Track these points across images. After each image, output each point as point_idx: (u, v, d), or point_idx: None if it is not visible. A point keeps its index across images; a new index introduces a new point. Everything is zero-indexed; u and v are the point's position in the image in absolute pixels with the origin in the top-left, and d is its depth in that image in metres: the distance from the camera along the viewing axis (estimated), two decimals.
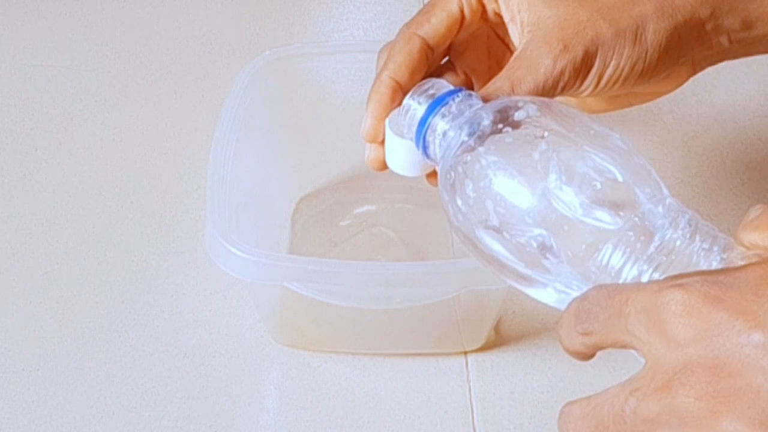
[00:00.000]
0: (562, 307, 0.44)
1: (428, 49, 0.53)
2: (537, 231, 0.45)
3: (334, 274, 0.58)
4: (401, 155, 0.53)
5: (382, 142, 0.54)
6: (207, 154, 0.62)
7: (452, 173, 0.48)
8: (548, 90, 0.52)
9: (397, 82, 0.53)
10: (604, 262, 0.44)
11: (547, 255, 0.45)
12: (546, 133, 0.46)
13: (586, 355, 0.43)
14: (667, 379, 0.38)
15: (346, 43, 0.81)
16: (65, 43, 0.87)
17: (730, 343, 0.37)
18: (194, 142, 0.79)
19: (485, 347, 0.68)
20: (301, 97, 0.70)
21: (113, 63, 0.85)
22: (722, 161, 0.77)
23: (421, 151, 0.51)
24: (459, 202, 0.47)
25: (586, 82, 0.52)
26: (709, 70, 0.84)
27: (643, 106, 0.81)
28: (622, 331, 0.40)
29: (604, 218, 0.44)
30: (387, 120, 0.53)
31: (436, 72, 0.56)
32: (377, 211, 0.74)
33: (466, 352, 0.68)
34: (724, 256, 0.43)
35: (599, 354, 0.68)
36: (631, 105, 0.58)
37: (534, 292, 0.48)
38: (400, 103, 0.53)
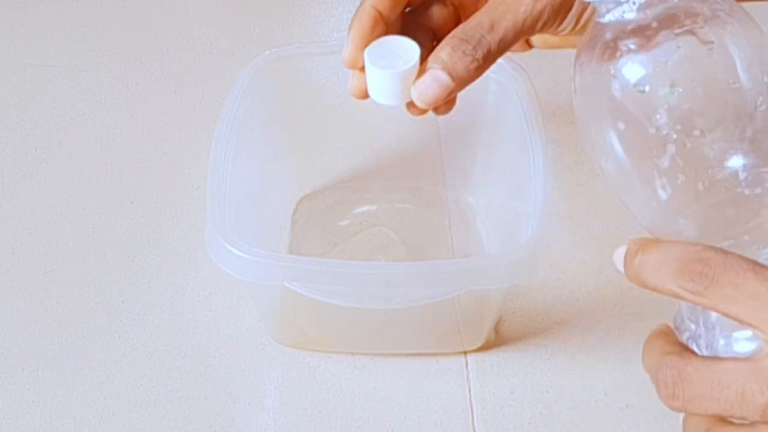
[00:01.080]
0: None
1: None
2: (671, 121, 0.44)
3: (334, 274, 0.58)
4: (382, 86, 0.54)
5: (362, 69, 0.54)
6: (207, 154, 0.62)
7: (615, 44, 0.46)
8: (527, 28, 0.53)
9: (379, 12, 0.54)
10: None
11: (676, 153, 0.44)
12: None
13: (658, 291, 0.43)
14: None
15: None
16: (65, 43, 0.87)
17: None
18: (194, 142, 0.79)
19: (485, 347, 0.68)
20: (301, 97, 0.70)
21: (113, 63, 0.85)
22: None
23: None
24: (611, 74, 0.46)
25: (566, 22, 0.54)
26: None
27: None
28: (757, 313, 0.40)
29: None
30: (366, 52, 0.54)
31: (423, 4, 0.57)
32: (377, 211, 0.74)
33: (466, 352, 0.68)
34: None
35: (599, 354, 0.69)
36: None
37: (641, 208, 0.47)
38: (380, 33, 0.54)
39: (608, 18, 0.47)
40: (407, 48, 0.54)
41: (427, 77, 0.53)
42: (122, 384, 0.66)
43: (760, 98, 0.45)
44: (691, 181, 0.44)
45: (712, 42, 0.45)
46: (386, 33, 0.55)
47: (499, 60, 0.67)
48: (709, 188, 0.44)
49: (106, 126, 0.81)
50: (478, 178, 0.74)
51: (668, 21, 0.45)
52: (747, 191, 0.44)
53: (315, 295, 0.60)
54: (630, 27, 0.46)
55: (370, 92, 0.55)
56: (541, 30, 0.54)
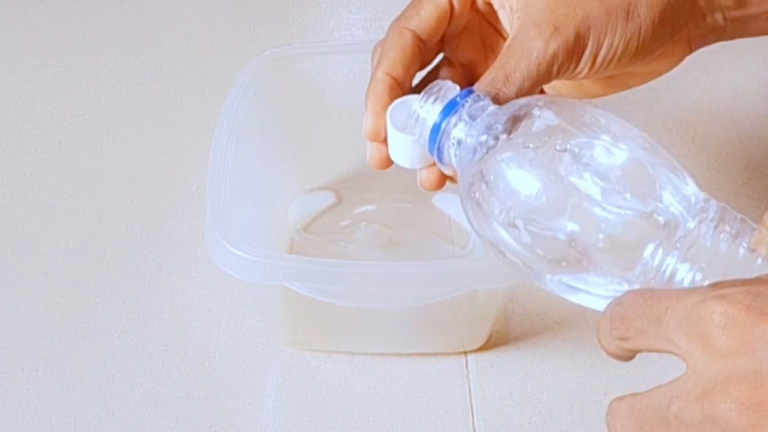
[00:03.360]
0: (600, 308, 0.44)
1: (420, 42, 0.53)
2: (567, 225, 0.45)
3: (334, 274, 0.58)
4: (405, 149, 0.53)
5: (384, 140, 0.53)
6: (207, 154, 0.62)
7: (475, 182, 0.47)
8: (543, 74, 0.51)
9: (393, 78, 0.52)
10: (636, 254, 0.44)
11: (577, 248, 0.45)
12: (563, 134, 0.46)
13: (626, 358, 0.43)
14: (709, 390, 0.38)
15: (346, 43, 0.81)
16: (65, 43, 0.87)
17: None
18: (194, 142, 0.79)
19: (485, 347, 0.68)
20: (301, 97, 0.70)
21: (113, 63, 0.85)
22: (722, 161, 0.77)
23: (435, 157, 0.51)
24: (485, 207, 0.47)
25: (581, 63, 0.52)
26: (710, 70, 0.84)
27: (643, 105, 0.81)
28: (661, 338, 0.40)
29: (631, 206, 0.44)
30: (387, 114, 0.52)
31: (433, 69, 0.56)
32: (377, 211, 0.74)
33: (466, 352, 0.68)
34: (747, 243, 0.43)
35: (599, 354, 0.68)
36: (628, 87, 0.57)
37: (573, 297, 0.48)
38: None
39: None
40: None
41: None
42: (122, 384, 0.66)
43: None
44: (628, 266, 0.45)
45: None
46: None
47: None
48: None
49: (106, 126, 0.81)
50: None
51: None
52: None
53: (315, 295, 0.60)
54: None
55: (392, 155, 0.53)
56: (558, 74, 0.52)
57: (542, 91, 0.58)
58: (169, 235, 0.74)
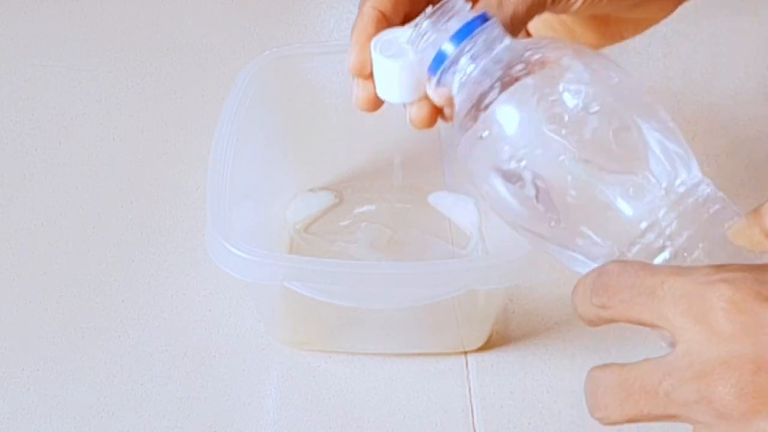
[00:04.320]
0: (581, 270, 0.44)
1: None
2: (571, 186, 0.44)
3: (334, 274, 0.58)
4: (394, 79, 0.50)
5: (370, 76, 0.51)
6: (207, 154, 0.62)
7: (486, 122, 0.46)
8: (538, 2, 0.50)
9: (381, 12, 0.50)
10: (631, 228, 0.44)
11: (576, 206, 0.44)
12: (578, 82, 0.45)
13: (598, 324, 0.43)
14: (707, 372, 0.38)
15: (346, 43, 0.80)
16: (65, 43, 0.87)
17: None
18: (194, 142, 0.79)
19: (485, 347, 0.68)
20: (301, 97, 0.70)
21: (113, 63, 0.85)
22: (722, 161, 0.77)
23: (433, 80, 0.48)
24: (493, 151, 0.46)
25: None
26: (710, 70, 0.84)
27: None
28: (650, 311, 0.40)
29: (633, 170, 0.44)
30: (372, 44, 0.50)
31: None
32: (377, 211, 0.74)
33: (466, 352, 0.68)
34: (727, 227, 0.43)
35: (599, 354, 0.68)
36: (622, 38, 0.57)
37: (555, 251, 0.47)
38: None
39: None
40: None
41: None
42: (122, 384, 0.66)
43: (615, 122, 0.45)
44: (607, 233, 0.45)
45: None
46: None
47: None
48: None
49: (106, 126, 0.81)
50: None
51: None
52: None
53: (315, 295, 0.60)
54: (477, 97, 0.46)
55: (380, 91, 0.51)
56: (553, 5, 0.50)
57: (529, 34, 0.57)
58: (169, 235, 0.74)
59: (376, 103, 0.52)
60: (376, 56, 0.50)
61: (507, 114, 0.45)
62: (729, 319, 0.38)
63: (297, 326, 0.68)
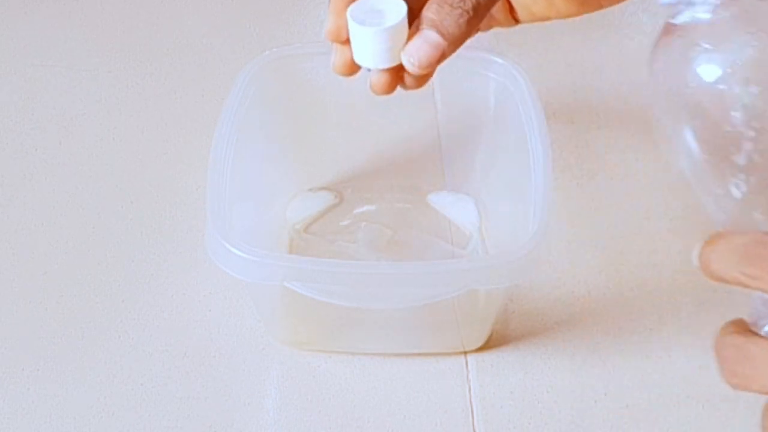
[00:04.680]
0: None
1: None
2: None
3: (334, 274, 0.58)
4: (368, 46, 0.51)
5: (347, 42, 0.52)
6: (207, 154, 0.62)
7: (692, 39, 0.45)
8: None
9: None
10: None
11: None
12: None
13: (724, 283, 0.43)
14: None
15: None
16: (65, 43, 0.87)
17: None
18: (194, 142, 0.79)
19: (485, 347, 0.68)
20: (301, 97, 0.70)
21: (113, 63, 0.85)
22: None
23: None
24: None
25: None
26: None
27: (643, 105, 0.81)
28: None
29: None
30: (348, 11, 0.51)
31: None
32: (377, 211, 0.74)
33: (466, 352, 0.68)
34: None
35: (599, 354, 0.68)
36: (600, 6, 0.57)
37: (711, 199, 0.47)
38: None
39: (681, 19, 0.47)
40: (392, 4, 0.51)
41: (416, 39, 0.51)
42: (122, 384, 0.66)
43: None
44: (766, 178, 0.44)
45: None
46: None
47: (499, 60, 0.67)
48: None
49: (106, 126, 0.81)
50: (478, 179, 0.74)
51: (742, 21, 0.45)
52: None
53: (315, 295, 0.60)
54: (703, 26, 0.46)
55: (356, 57, 0.52)
56: None
57: (513, 12, 0.58)
58: (169, 235, 0.74)
59: (352, 67, 0.53)
60: (351, 23, 0.51)
61: (709, 53, 0.45)
62: None
63: (297, 326, 0.68)
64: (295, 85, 0.69)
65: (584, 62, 0.85)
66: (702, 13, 0.46)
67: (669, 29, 0.47)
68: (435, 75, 0.60)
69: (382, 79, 0.53)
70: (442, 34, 0.51)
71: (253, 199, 0.68)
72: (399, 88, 0.55)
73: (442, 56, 0.51)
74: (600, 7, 0.57)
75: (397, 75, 0.53)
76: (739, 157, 0.45)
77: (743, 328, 0.44)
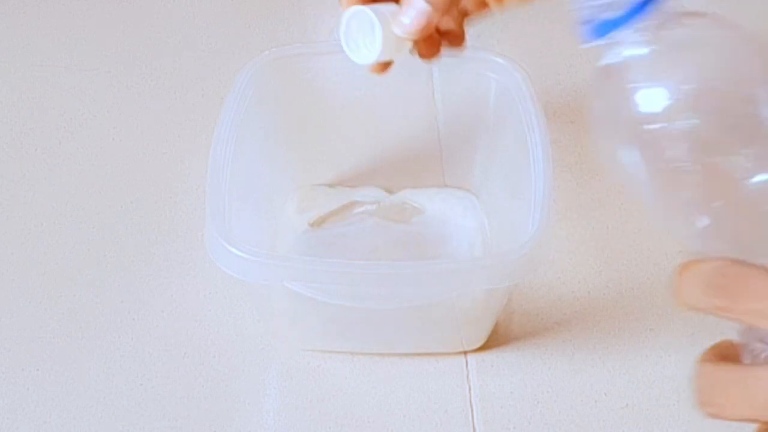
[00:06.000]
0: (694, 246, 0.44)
1: None
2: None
3: (334, 274, 0.58)
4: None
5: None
6: (207, 154, 0.62)
7: (620, 74, 0.46)
8: None
9: None
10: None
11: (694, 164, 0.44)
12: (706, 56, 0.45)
13: (699, 312, 0.43)
14: None
15: None
16: (65, 43, 0.87)
17: None
18: (194, 142, 0.79)
19: (485, 347, 0.68)
20: (301, 97, 0.70)
21: (113, 63, 0.85)
22: None
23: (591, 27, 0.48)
24: (620, 117, 0.45)
25: None
26: None
27: None
28: None
29: (748, 141, 0.43)
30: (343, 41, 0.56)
31: None
32: (377, 210, 0.74)
33: (466, 352, 0.68)
34: None
35: (599, 354, 0.68)
36: None
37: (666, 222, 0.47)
38: None
39: (612, 59, 0.47)
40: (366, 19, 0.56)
41: (407, 9, 0.55)
42: (122, 384, 0.66)
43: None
44: (723, 205, 0.44)
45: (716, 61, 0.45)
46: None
47: (499, 60, 0.67)
48: (743, 208, 0.44)
49: (106, 126, 0.81)
50: (478, 178, 0.74)
51: (674, 53, 0.45)
52: None
53: (315, 295, 0.60)
54: (636, 64, 0.46)
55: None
56: None
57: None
58: (169, 235, 0.74)
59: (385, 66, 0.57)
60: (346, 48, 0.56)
61: (646, 90, 0.45)
62: None
63: (297, 326, 0.68)
64: (295, 85, 0.69)
65: (584, 62, 0.85)
66: (631, 50, 0.46)
67: (601, 72, 0.47)
68: (436, 74, 0.61)
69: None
70: (429, 2, 0.55)
71: (253, 199, 0.68)
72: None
73: (430, 22, 0.55)
74: None
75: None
76: (695, 191, 0.44)
77: (720, 352, 0.43)
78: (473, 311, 0.65)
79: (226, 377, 0.67)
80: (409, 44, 0.57)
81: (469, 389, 0.66)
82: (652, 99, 0.44)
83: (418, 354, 0.68)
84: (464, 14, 0.60)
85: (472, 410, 0.65)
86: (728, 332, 0.44)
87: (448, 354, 0.68)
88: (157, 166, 0.78)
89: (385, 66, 0.58)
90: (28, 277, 0.71)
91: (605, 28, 0.47)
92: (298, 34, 0.88)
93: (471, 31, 0.61)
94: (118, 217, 0.75)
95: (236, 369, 0.67)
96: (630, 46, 0.46)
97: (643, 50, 0.46)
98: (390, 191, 0.75)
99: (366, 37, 0.56)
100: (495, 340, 0.68)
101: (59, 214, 0.75)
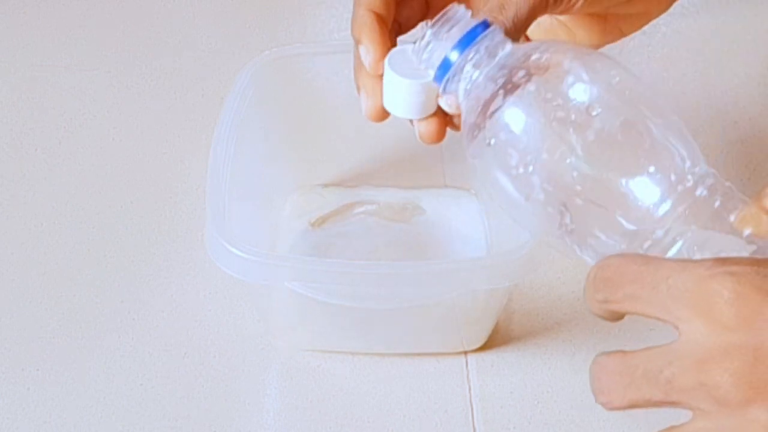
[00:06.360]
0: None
1: None
2: (584, 189, 0.45)
3: (334, 274, 0.58)
4: (403, 96, 0.51)
5: (380, 80, 0.52)
6: (207, 154, 0.62)
7: (492, 129, 0.46)
8: (539, 3, 0.50)
9: (377, 14, 0.52)
10: (642, 214, 0.44)
11: (585, 203, 0.45)
12: (583, 86, 0.45)
13: (611, 319, 0.44)
14: (708, 359, 0.39)
15: (346, 43, 0.80)
16: (65, 43, 0.87)
17: None
18: (194, 142, 0.79)
19: (485, 347, 0.68)
20: (301, 97, 0.70)
21: (113, 63, 0.85)
22: (722, 161, 0.77)
23: (441, 88, 0.49)
24: (501, 158, 0.46)
25: None
26: (709, 69, 0.84)
27: None
28: (655, 305, 0.41)
29: (647, 176, 0.44)
30: (386, 60, 0.51)
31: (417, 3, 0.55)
32: (377, 210, 0.74)
33: (466, 352, 0.68)
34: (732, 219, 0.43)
35: (600, 351, 0.68)
36: (622, 34, 0.57)
37: (580, 254, 0.47)
38: (389, 37, 0.52)
39: (466, 93, 0.48)
40: None
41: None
42: (122, 384, 0.66)
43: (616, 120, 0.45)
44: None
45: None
46: (388, 35, 0.52)
47: None
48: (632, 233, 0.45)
49: (106, 126, 0.81)
50: None
51: (533, 96, 0.46)
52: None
53: (315, 295, 0.60)
54: (481, 107, 0.47)
55: (389, 105, 0.52)
56: (555, 6, 0.51)
57: (528, 39, 0.57)
58: (169, 235, 0.74)
59: (384, 114, 0.53)
60: (388, 72, 0.51)
61: (512, 120, 0.46)
62: (732, 310, 0.39)
63: (297, 326, 0.68)
64: (295, 85, 0.69)
65: None
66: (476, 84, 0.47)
67: (471, 125, 0.47)
68: None
69: (431, 128, 0.52)
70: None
71: (254, 199, 0.68)
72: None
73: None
74: (621, 35, 0.57)
75: (443, 120, 0.52)
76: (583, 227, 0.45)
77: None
78: (473, 311, 0.65)
79: (226, 377, 0.67)
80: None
81: (469, 389, 0.66)
82: (512, 154, 0.46)
83: (418, 354, 0.68)
84: None
85: (472, 410, 0.65)
86: None
87: (448, 354, 0.68)
88: (157, 166, 0.78)
89: (386, 116, 0.54)
90: (28, 277, 0.71)
91: (441, 72, 0.49)
92: (298, 34, 0.87)
93: None
94: (118, 217, 0.75)
95: (236, 369, 0.67)
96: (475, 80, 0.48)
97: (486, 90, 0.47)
98: (390, 191, 0.75)
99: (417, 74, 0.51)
100: (495, 340, 0.68)
101: (59, 214, 0.75)
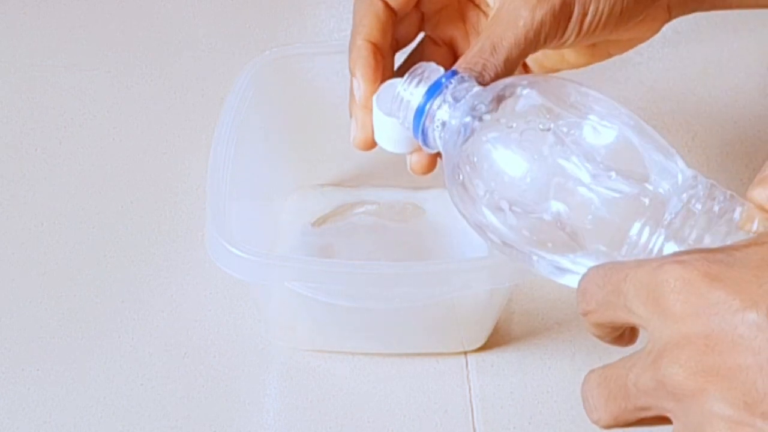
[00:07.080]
0: None
1: (391, 10, 0.54)
2: (552, 206, 0.45)
3: (334, 274, 0.58)
4: (391, 132, 0.52)
5: (370, 111, 0.53)
6: (207, 154, 0.62)
7: (460, 164, 0.47)
8: (530, 43, 0.51)
9: (373, 44, 0.53)
10: (622, 233, 0.44)
11: (564, 229, 0.45)
12: (548, 114, 0.46)
13: (601, 336, 0.43)
14: (661, 355, 0.38)
15: (346, 43, 0.81)
16: (65, 43, 0.87)
17: (725, 321, 0.36)
18: (194, 142, 0.79)
19: (485, 347, 0.68)
20: (301, 97, 0.70)
21: (113, 63, 0.85)
22: (722, 161, 0.77)
23: (420, 140, 0.50)
24: (470, 190, 0.47)
25: (568, 31, 0.52)
26: (710, 70, 0.84)
27: (643, 106, 0.81)
28: (621, 308, 0.40)
29: (616, 186, 0.44)
30: (374, 98, 0.52)
31: (416, 48, 0.56)
32: (377, 210, 0.74)
33: (466, 352, 0.68)
34: (734, 217, 0.43)
35: (599, 354, 0.68)
36: (609, 55, 0.57)
37: (561, 279, 0.47)
38: (384, 67, 0.53)
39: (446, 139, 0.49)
40: None
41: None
42: (122, 384, 0.66)
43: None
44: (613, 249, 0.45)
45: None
46: (384, 65, 0.53)
47: None
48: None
49: (106, 126, 0.81)
50: None
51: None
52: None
53: (315, 295, 0.60)
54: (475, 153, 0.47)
55: (378, 139, 0.54)
56: (545, 43, 0.52)
57: (527, 68, 0.58)
58: (169, 235, 0.74)
59: (373, 144, 0.55)
60: (376, 111, 0.52)
61: (481, 159, 0.46)
62: (680, 300, 0.37)
63: (297, 326, 0.68)
64: (295, 85, 0.69)
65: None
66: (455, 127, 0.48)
67: (452, 167, 0.48)
68: None
69: (421, 161, 0.54)
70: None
71: (254, 199, 0.68)
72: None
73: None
74: (609, 56, 0.57)
75: (432, 153, 0.53)
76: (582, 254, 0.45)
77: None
78: (473, 311, 0.65)
79: (226, 377, 0.67)
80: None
81: (469, 389, 0.66)
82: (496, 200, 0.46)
83: (418, 354, 0.68)
84: None
85: (472, 410, 0.65)
86: None
87: (448, 354, 0.68)
88: (157, 166, 0.78)
89: (373, 146, 0.55)
90: (28, 277, 0.71)
91: (415, 124, 0.50)
92: (298, 34, 0.87)
93: None
94: (118, 217, 0.75)
95: (236, 369, 0.67)
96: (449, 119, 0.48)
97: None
98: (390, 191, 0.75)
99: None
100: (495, 340, 0.68)
101: (59, 214, 0.75)
